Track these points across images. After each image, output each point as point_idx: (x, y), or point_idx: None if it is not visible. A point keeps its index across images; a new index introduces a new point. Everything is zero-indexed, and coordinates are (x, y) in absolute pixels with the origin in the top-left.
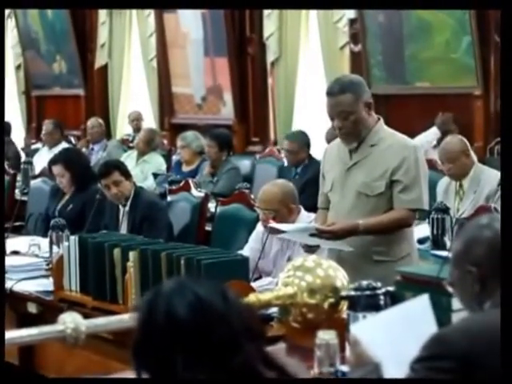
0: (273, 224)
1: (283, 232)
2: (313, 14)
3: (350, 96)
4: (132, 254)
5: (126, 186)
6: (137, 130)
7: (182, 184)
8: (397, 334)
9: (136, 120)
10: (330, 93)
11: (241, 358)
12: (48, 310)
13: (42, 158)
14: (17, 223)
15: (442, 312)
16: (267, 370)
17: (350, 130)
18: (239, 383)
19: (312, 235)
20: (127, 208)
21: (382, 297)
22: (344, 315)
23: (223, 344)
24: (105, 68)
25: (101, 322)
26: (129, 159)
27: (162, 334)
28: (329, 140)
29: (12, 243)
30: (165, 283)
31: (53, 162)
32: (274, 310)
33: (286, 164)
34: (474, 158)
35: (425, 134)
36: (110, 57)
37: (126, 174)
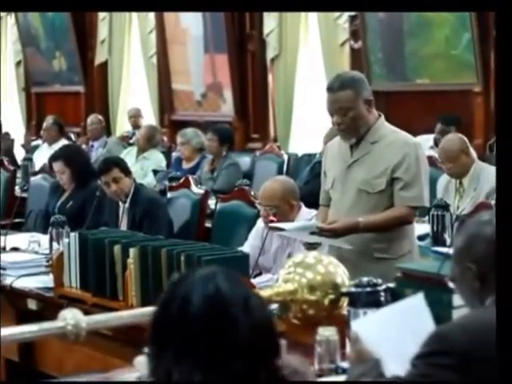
0: (274, 224)
1: (284, 230)
2: None
3: (349, 92)
4: (132, 251)
5: (126, 183)
6: (135, 126)
7: (181, 181)
8: (397, 330)
9: (134, 117)
10: (330, 88)
11: (242, 365)
12: (48, 307)
13: (41, 155)
14: (17, 220)
15: (442, 308)
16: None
17: (348, 126)
18: None
19: (312, 233)
20: (127, 205)
21: (382, 293)
22: (344, 312)
23: (223, 349)
24: (105, 65)
25: (101, 318)
26: (129, 156)
27: (173, 319)
28: (326, 142)
29: (12, 240)
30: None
31: (53, 158)
32: (274, 307)
33: None
34: (474, 155)
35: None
36: (109, 54)
37: (126, 171)
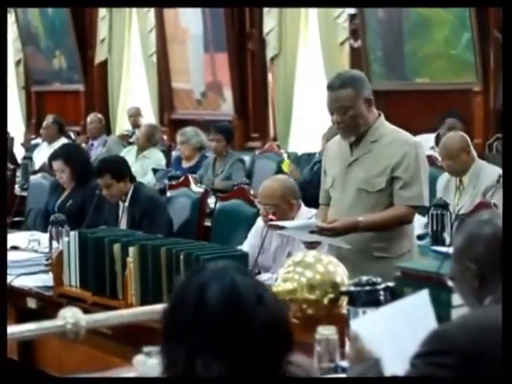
0: (274, 222)
1: (283, 228)
2: (313, 10)
3: (349, 91)
4: (132, 250)
5: (119, 188)
6: (135, 125)
7: (181, 180)
8: (397, 329)
9: (133, 116)
10: (330, 87)
11: (255, 357)
12: (48, 306)
13: (41, 154)
14: (16, 218)
15: (441, 308)
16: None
17: (348, 125)
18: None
19: (312, 232)
20: (127, 204)
21: (381, 292)
22: (344, 311)
23: (239, 341)
24: (105, 64)
25: (101, 317)
26: (129, 155)
27: (188, 309)
28: (326, 141)
29: (12, 238)
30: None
31: (53, 157)
32: None
33: None
34: (475, 154)
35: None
36: (109, 52)
37: (119, 177)
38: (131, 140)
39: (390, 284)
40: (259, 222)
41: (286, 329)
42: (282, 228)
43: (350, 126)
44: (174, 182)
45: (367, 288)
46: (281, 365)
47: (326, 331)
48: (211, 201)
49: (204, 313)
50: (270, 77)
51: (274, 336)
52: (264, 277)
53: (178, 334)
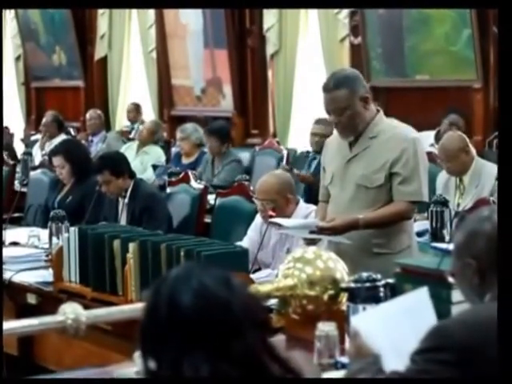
0: (274, 219)
1: (283, 227)
2: None
3: (344, 91)
4: (132, 246)
5: (118, 185)
6: (133, 121)
7: (181, 176)
8: (397, 325)
9: (131, 111)
10: (325, 88)
11: (243, 345)
12: (47, 301)
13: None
14: (16, 214)
15: (441, 304)
16: (271, 361)
17: (345, 125)
18: (241, 373)
19: (312, 232)
20: (126, 200)
21: (381, 289)
22: (344, 307)
23: (225, 331)
24: (104, 60)
25: (101, 312)
26: (129, 150)
27: (165, 320)
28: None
29: (11, 234)
30: (172, 270)
31: (53, 153)
32: (273, 302)
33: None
34: (474, 152)
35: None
36: (109, 48)
37: (118, 173)
38: (131, 136)
39: (390, 280)
40: (258, 218)
41: (261, 305)
42: (281, 226)
43: (348, 126)
44: (173, 179)
45: (367, 284)
46: (266, 348)
47: (326, 327)
48: (211, 197)
49: (182, 319)
50: (269, 73)
51: (253, 317)
52: (264, 273)
53: (163, 344)
